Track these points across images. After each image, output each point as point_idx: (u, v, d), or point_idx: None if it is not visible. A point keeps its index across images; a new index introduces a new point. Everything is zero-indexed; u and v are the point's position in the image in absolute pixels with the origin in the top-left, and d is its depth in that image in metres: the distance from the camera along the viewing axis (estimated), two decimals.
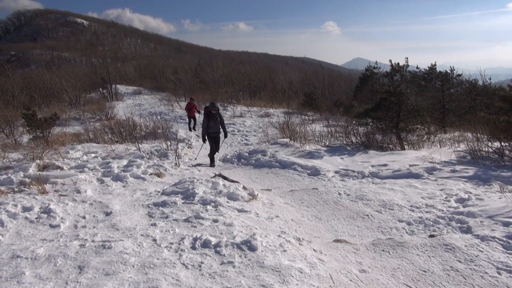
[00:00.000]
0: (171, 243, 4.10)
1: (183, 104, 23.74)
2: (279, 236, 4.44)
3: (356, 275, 3.64)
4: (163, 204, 5.53)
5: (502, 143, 8.55)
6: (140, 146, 10.17)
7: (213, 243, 4.03)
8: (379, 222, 5.22)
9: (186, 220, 4.83)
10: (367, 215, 5.47)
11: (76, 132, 14.37)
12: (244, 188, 6.50)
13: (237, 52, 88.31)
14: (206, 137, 9.84)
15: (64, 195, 6.00)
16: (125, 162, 8.36)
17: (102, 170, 7.59)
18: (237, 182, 6.85)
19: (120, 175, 7.26)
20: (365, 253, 4.15)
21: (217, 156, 11.16)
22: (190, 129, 16.84)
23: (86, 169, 7.64)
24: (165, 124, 14.89)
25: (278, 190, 7.15)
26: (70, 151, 9.66)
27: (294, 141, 11.24)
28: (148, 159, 9.05)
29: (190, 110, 16.95)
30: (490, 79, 20.70)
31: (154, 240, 4.22)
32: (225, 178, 7.06)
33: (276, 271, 3.46)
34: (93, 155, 9.42)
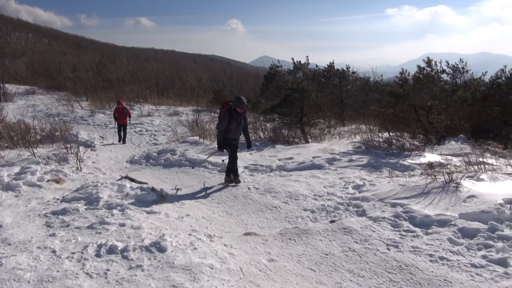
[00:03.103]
0: (73, 253, 3.83)
1: (84, 104, 22.16)
2: (189, 234, 4.42)
3: (265, 265, 3.80)
4: (63, 212, 5.13)
5: (390, 133, 9.56)
6: (35, 151, 9.26)
7: (119, 248, 3.86)
8: (286, 212, 5.49)
9: (90, 227, 4.55)
10: (275, 207, 5.71)
11: None
12: (153, 188, 6.31)
13: (143, 49, 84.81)
14: (223, 144, 7.10)
15: None
16: (17, 169, 7.54)
17: None
18: (146, 183, 6.64)
19: (11, 184, 6.54)
20: (273, 243, 4.35)
21: (124, 156, 10.67)
22: (120, 140, 13.45)
23: None
24: (64, 126, 13.74)
25: (189, 188, 7.09)
26: None
27: (204, 139, 11.22)
28: (45, 164, 8.29)
29: (120, 116, 13.43)
30: (381, 76, 22.90)
31: (53, 251, 3.90)
32: (132, 180, 6.79)
33: (186, 269, 3.45)
34: None
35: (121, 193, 5.82)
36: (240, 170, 8.16)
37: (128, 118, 13.61)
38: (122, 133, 13.50)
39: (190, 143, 10.89)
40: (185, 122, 14.50)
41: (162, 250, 3.82)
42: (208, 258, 3.70)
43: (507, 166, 6.51)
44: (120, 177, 7.21)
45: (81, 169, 8.47)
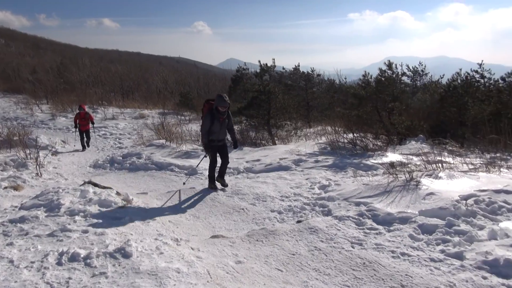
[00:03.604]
0: (32, 262, 3.68)
1: (45, 108, 21.34)
2: (156, 239, 4.36)
3: (232, 267, 3.80)
4: (22, 220, 4.91)
5: (354, 134, 9.82)
6: None
7: (82, 255, 3.75)
8: (253, 214, 5.51)
9: (51, 235, 4.39)
10: (243, 209, 5.73)
11: None
12: (118, 193, 6.19)
13: (107, 51, 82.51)
14: (209, 147, 6.65)
15: None
16: None
17: None
18: (110, 188, 6.48)
19: None
20: (241, 245, 4.36)
21: (87, 161, 10.35)
22: (84, 149, 12.53)
23: None
24: (23, 130, 13.15)
25: (155, 192, 6.99)
26: None
27: (170, 142, 11.09)
28: (2, 171, 7.93)
29: (81, 122, 12.59)
30: (345, 78, 23.45)
31: (11, 261, 3.73)
32: (96, 185, 6.60)
33: (152, 275, 3.40)
34: None
35: (84, 199, 5.65)
36: (207, 173, 8.12)
37: (91, 124, 12.88)
38: (85, 140, 12.69)
39: (156, 146, 10.73)
40: (151, 125, 14.27)
41: (127, 256, 3.74)
42: (174, 262, 3.66)
43: (463, 164, 6.83)
44: (83, 182, 6.99)
45: (41, 175, 8.15)
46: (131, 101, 24.17)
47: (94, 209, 5.26)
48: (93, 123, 13.03)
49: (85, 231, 4.43)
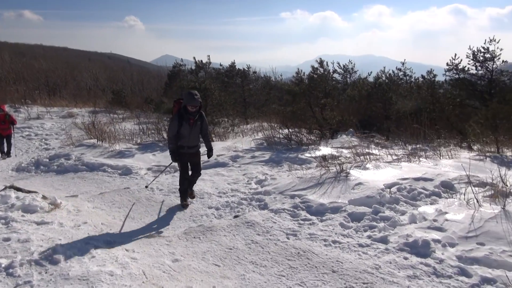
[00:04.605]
0: None
1: None
2: (87, 243, 4.17)
3: (169, 266, 3.75)
4: None
5: (290, 130, 10.10)
6: None
7: (3, 265, 3.48)
8: (190, 211, 5.47)
9: None
10: (155, 180, 5.64)
11: None
12: (44, 197, 5.80)
13: (29, 46, 76.27)
14: (176, 155, 5.57)
15: None
16: None
17: None
18: (35, 192, 6.04)
19: None
20: (178, 243, 4.31)
21: (8, 165, 9.56)
22: (4, 156, 10.75)
23: None
24: None
25: (86, 194, 6.64)
26: None
27: (102, 141, 10.59)
28: None
29: (1, 125, 10.83)
30: (281, 75, 23.98)
31: None
32: (19, 189, 6.12)
33: (83, 280, 3.25)
34: None
35: (5, 205, 5.22)
36: (143, 171, 7.91)
37: (12, 127, 11.26)
38: (5, 145, 10.93)
39: (87, 147, 10.18)
40: (81, 124, 13.50)
41: (55, 262, 3.54)
42: (107, 265, 3.53)
43: (388, 155, 7.34)
44: (3, 187, 6.45)
45: None
46: (58, 99, 22.65)
47: (17, 215, 4.88)
48: (14, 126, 11.43)
49: (7, 239, 4.10)
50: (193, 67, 19.57)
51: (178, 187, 5.78)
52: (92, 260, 3.64)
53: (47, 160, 9.27)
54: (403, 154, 7.50)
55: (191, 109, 5.35)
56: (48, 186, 7.41)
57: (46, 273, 3.38)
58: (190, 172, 5.76)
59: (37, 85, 25.80)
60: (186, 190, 5.72)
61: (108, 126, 12.55)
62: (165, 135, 11.51)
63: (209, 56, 20.05)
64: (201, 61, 19.50)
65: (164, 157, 9.04)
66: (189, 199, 5.80)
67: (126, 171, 7.93)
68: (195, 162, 5.75)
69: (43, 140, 13.38)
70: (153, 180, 6.71)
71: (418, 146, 8.35)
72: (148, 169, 8.08)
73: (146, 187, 6.34)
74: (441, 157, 7.05)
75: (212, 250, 4.12)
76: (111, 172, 8.06)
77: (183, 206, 5.62)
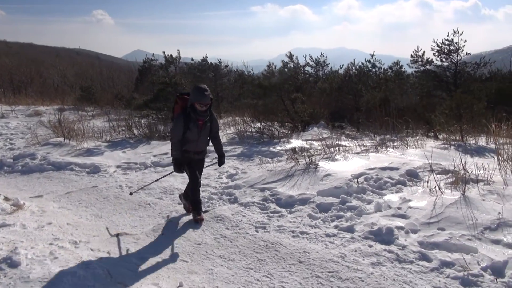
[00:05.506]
0: None
1: None
2: (51, 244, 4.05)
3: (136, 264, 3.70)
4: None
5: (262, 123, 10.12)
6: None
7: None
8: (160, 208, 5.40)
9: None
10: (149, 204, 5.57)
11: None
12: (7, 198, 5.61)
13: None
14: (181, 164, 4.63)
15: None
16: None
17: None
18: None
19: None
20: (145, 241, 4.25)
21: None
22: None
23: None
24: None
25: (52, 194, 6.45)
26: None
27: (69, 139, 10.29)
28: None
29: None
30: (252, 69, 23.93)
31: None
32: None
33: (45, 281, 3.16)
34: None
35: None
36: (112, 169, 7.74)
37: None
38: None
39: (53, 145, 9.88)
40: (47, 122, 13.07)
41: (14, 265, 3.41)
42: (71, 266, 3.44)
43: (357, 146, 7.47)
44: None
45: None
46: (24, 97, 21.84)
47: None
48: None
49: None
50: (163, 62, 19.29)
51: (191, 197, 4.76)
52: (55, 261, 3.54)
53: (11, 160, 8.92)
54: (371, 144, 7.65)
55: (201, 108, 4.40)
56: (12, 187, 7.15)
57: (5, 277, 3.26)
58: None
59: (1, 83, 24.81)
60: (199, 201, 4.77)
61: (76, 124, 12.20)
62: (136, 132, 11.32)
63: (178, 50, 19.79)
64: (171, 55, 19.22)
65: (134, 154, 8.89)
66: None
67: (95, 170, 7.75)
68: (199, 169, 4.87)
69: (8, 140, 12.86)
70: (139, 189, 5.93)
71: (386, 136, 8.53)
72: (118, 166, 7.92)
73: (131, 194, 5.62)
74: (408, 147, 7.23)
75: (180, 245, 4.08)
76: (79, 170, 7.85)
77: (197, 221, 4.60)
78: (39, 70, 28.60)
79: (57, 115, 15.35)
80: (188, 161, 4.66)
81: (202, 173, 5.08)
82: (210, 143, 4.89)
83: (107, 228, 4.74)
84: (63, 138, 10.36)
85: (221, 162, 4.91)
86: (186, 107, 4.49)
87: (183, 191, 5.14)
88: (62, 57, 47.40)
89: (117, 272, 3.48)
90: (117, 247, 4.08)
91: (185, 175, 4.92)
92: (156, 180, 5.95)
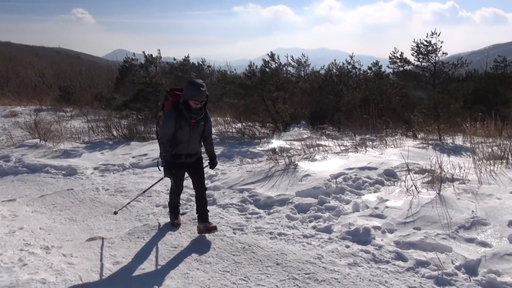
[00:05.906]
0: None
1: None
2: (21, 250, 3.92)
3: (108, 269, 3.61)
4: None
5: (243, 124, 10.07)
6: None
7: None
8: (137, 211, 5.29)
9: None
10: (126, 207, 5.45)
11: None
12: None
13: None
14: (172, 167, 4.21)
15: None
16: None
17: None
18: None
19: None
20: (120, 244, 4.16)
21: None
22: None
23: None
24: None
25: (26, 198, 6.25)
26: None
27: (46, 141, 10.04)
28: None
29: None
30: (235, 69, 23.85)
31: None
32: None
33: None
34: None
35: None
36: (89, 171, 7.57)
37: None
38: None
39: (29, 147, 9.62)
40: (23, 123, 12.73)
41: None
42: (40, 273, 3.34)
43: (337, 146, 7.49)
44: None
45: None
46: (0, 97, 21.30)
47: None
48: None
49: None
50: (143, 62, 19.05)
51: (168, 201, 4.70)
52: (23, 268, 3.42)
53: None
54: (351, 144, 7.68)
55: (195, 105, 4.00)
56: None
57: None
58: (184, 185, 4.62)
59: None
60: (177, 206, 4.64)
61: (53, 125, 11.91)
62: (115, 133, 11.12)
63: (159, 50, 19.58)
64: (151, 55, 18.99)
65: (112, 155, 8.72)
66: (205, 228, 4.23)
67: (71, 172, 7.56)
68: (198, 174, 4.38)
69: None
70: (128, 203, 5.24)
71: (366, 136, 8.59)
72: (95, 168, 7.75)
73: (115, 213, 5.01)
74: (387, 146, 7.29)
75: (156, 249, 4.00)
76: (55, 173, 7.65)
77: (174, 224, 4.54)
78: (16, 69, 27.91)
79: (34, 115, 14.99)
80: (183, 168, 4.30)
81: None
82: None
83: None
84: (39, 140, 10.10)
85: (213, 164, 4.53)
86: (178, 104, 4.08)
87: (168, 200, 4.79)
88: (41, 56, 46.37)
89: (89, 278, 3.39)
90: (91, 252, 3.97)
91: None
92: (145, 191, 5.44)
